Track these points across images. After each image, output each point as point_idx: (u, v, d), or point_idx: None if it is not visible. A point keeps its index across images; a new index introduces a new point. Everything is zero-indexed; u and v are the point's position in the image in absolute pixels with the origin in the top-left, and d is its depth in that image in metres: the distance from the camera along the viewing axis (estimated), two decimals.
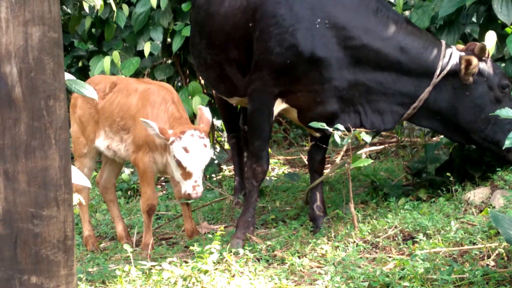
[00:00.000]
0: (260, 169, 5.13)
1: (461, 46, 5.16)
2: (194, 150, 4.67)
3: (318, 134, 5.27)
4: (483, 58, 4.99)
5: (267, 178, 7.19)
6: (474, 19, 6.08)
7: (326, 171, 5.61)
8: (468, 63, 4.91)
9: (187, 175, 4.70)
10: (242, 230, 5.04)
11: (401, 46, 4.98)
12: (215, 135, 8.17)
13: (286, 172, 7.66)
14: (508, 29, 5.64)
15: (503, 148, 3.71)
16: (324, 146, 5.30)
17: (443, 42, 5.13)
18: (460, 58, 4.96)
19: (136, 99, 5.11)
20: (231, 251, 4.74)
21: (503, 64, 5.45)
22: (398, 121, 5.20)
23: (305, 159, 7.86)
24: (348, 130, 4.76)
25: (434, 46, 5.05)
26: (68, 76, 3.98)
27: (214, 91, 6.50)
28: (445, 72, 4.98)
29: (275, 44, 4.93)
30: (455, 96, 5.04)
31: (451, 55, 5.02)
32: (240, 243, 4.92)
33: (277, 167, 8.00)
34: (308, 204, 5.40)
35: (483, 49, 4.93)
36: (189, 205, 5.27)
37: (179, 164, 4.71)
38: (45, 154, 2.68)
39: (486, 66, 5.01)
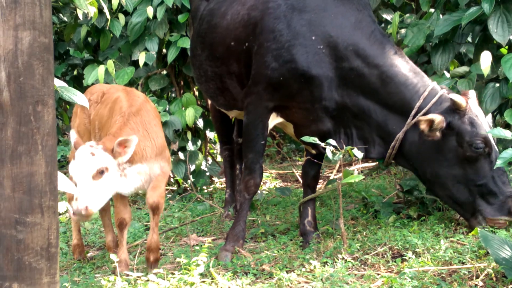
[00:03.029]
0: (253, 182, 5.11)
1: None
2: (76, 157, 4.25)
3: (314, 151, 5.25)
4: (459, 111, 4.74)
5: (259, 191, 7.16)
6: (469, 39, 6.09)
7: (319, 186, 5.59)
8: (430, 122, 4.71)
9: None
10: (232, 243, 5.01)
11: (383, 78, 4.87)
12: (208, 147, 8.15)
13: (277, 186, 7.64)
14: (503, 50, 5.65)
15: (494, 167, 3.68)
16: (319, 162, 5.27)
17: (434, 83, 4.94)
18: (419, 120, 4.74)
19: (108, 108, 4.93)
20: (218, 264, 4.71)
21: (497, 84, 5.44)
22: (385, 159, 5.05)
23: (297, 173, 7.84)
24: (341, 146, 4.75)
25: (417, 85, 4.88)
26: (59, 83, 3.97)
27: (210, 103, 6.49)
28: (420, 114, 4.79)
29: (271, 59, 4.92)
30: (424, 144, 4.85)
31: (436, 99, 4.82)
32: (228, 255, 4.88)
33: (268, 181, 7.98)
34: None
35: (455, 102, 4.69)
36: (155, 215, 4.73)
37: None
38: (31, 160, 2.66)
39: (460, 121, 4.74)
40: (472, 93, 4.87)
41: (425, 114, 4.79)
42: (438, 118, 4.70)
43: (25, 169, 2.64)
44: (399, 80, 4.88)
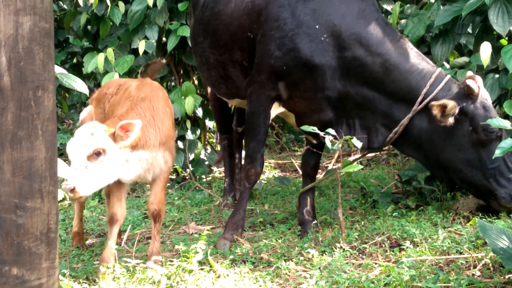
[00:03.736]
0: (254, 171, 5.10)
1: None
2: (75, 134, 4.03)
3: (315, 141, 5.23)
4: (472, 96, 4.78)
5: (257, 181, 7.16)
6: (469, 30, 6.08)
7: (318, 176, 5.59)
8: (442, 107, 4.72)
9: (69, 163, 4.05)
10: (231, 231, 5.02)
11: (386, 66, 4.87)
12: (207, 136, 8.15)
13: (276, 176, 7.65)
14: (503, 41, 5.64)
15: (493, 157, 3.69)
16: (319, 151, 5.26)
17: (439, 69, 4.95)
18: (431, 105, 4.75)
19: (118, 96, 4.81)
20: (217, 252, 4.72)
21: (497, 75, 5.44)
22: (383, 144, 5.10)
23: (296, 163, 7.85)
24: (340, 136, 4.75)
25: (423, 72, 4.89)
26: (59, 69, 3.97)
27: (209, 92, 6.47)
28: (427, 100, 4.82)
29: (274, 48, 4.91)
30: (436, 129, 4.87)
31: (443, 85, 4.84)
32: (226, 244, 4.89)
33: (267, 171, 7.99)
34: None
35: (469, 87, 4.72)
36: (157, 223, 4.58)
37: None
38: (32, 145, 2.66)
39: (473, 106, 4.78)
40: (478, 77, 4.87)
41: (433, 99, 4.80)
42: (450, 104, 4.71)
43: (25, 154, 2.64)
44: (404, 67, 4.88)
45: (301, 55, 4.86)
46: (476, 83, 4.76)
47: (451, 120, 4.76)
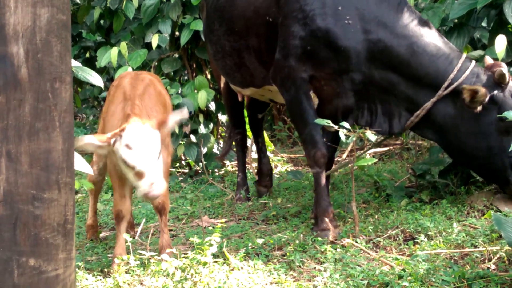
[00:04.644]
0: (320, 153, 4.90)
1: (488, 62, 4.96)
2: (137, 145, 3.99)
3: (333, 129, 5.17)
4: (502, 84, 4.73)
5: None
6: (483, 24, 6.05)
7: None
8: (473, 93, 4.68)
9: (139, 175, 3.99)
10: (323, 219, 4.83)
11: (414, 49, 4.81)
12: (219, 130, 8.16)
13: (289, 169, 7.65)
14: None
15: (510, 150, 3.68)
16: (334, 145, 5.22)
17: (464, 55, 4.91)
18: (463, 88, 4.71)
19: (111, 95, 4.72)
20: (227, 247, 4.72)
21: None
22: (404, 128, 5.08)
23: None
24: (363, 123, 4.72)
25: (449, 57, 4.85)
26: (75, 63, 3.98)
27: (222, 86, 6.45)
28: (453, 86, 4.79)
29: (298, 29, 4.83)
30: (461, 115, 4.82)
31: (469, 71, 4.80)
32: (327, 233, 4.75)
33: (280, 165, 7.99)
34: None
35: (502, 75, 4.66)
36: (163, 216, 4.59)
37: (126, 164, 4.01)
38: (49, 136, 2.67)
39: (503, 95, 4.73)
40: (504, 64, 4.81)
41: (459, 85, 4.75)
42: (482, 91, 4.66)
43: (42, 145, 2.65)
44: (431, 50, 4.83)
45: (325, 36, 4.79)
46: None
47: (479, 107, 4.72)
